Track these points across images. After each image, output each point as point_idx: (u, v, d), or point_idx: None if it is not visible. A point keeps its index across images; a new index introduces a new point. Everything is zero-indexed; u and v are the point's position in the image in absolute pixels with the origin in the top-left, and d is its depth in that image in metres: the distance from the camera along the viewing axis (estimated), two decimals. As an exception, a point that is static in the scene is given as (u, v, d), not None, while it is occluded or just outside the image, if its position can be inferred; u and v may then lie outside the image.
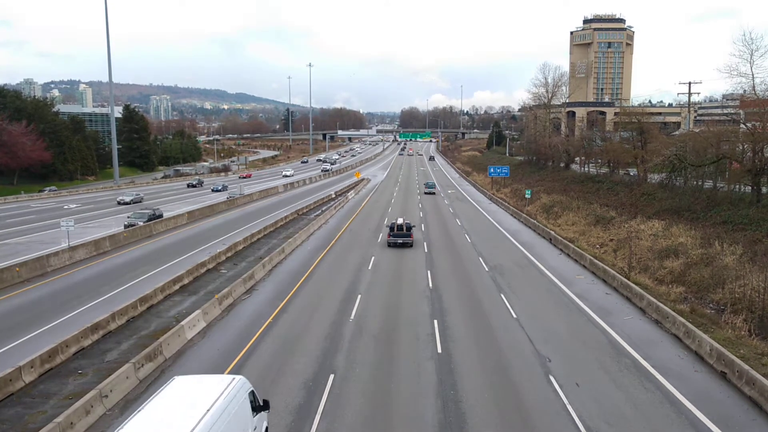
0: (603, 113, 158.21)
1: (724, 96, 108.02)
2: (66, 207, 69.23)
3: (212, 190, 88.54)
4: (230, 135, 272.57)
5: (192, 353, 22.40)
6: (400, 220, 45.64)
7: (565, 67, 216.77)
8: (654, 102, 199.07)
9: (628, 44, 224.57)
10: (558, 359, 21.87)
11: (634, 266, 35.58)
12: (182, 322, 23.94)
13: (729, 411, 17.78)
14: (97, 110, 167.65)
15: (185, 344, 23.10)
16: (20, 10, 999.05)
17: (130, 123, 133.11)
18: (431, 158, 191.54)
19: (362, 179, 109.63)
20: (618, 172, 74.23)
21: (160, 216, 54.83)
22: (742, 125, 50.12)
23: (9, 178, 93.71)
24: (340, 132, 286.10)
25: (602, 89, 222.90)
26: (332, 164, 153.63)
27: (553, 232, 49.01)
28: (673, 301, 29.01)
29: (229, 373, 20.18)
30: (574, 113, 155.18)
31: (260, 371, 20.60)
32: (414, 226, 47.45)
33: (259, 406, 15.30)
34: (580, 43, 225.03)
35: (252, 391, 15.19)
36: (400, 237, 44.13)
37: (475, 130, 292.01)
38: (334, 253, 42.33)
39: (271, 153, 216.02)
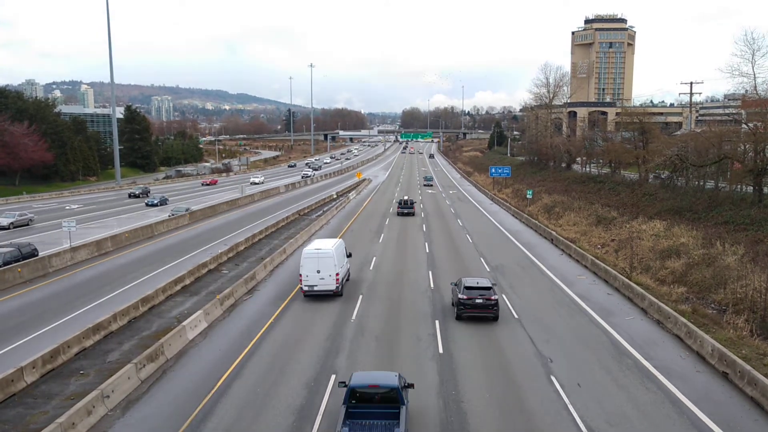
0: (604, 113, 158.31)
1: (725, 96, 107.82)
2: (68, 207, 69.33)
3: (147, 204, 69.79)
4: (231, 135, 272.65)
5: (194, 353, 22.42)
6: (405, 197, 67.64)
7: (567, 67, 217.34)
8: (655, 102, 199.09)
9: (629, 44, 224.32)
10: (559, 359, 21.86)
11: (636, 266, 35.56)
12: (184, 323, 23.96)
13: (731, 411, 17.76)
14: (99, 111, 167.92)
15: (187, 345, 23.12)
16: (22, 10, 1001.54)
17: (132, 124, 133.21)
18: (431, 156, 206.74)
19: (363, 180, 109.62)
20: (620, 172, 74.21)
21: (27, 257, 36.07)
22: (743, 125, 50.08)
23: (11, 178, 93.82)
24: (341, 132, 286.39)
25: (604, 89, 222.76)
26: (315, 170, 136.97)
27: (554, 233, 48.98)
28: (675, 301, 28.98)
29: (230, 373, 20.45)
30: (575, 113, 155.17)
31: (262, 372, 20.62)
32: (415, 203, 67.84)
33: (349, 254, 34.23)
34: (581, 43, 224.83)
35: (346, 247, 33.97)
36: (406, 208, 63.14)
37: (477, 131, 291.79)
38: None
39: (273, 153, 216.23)
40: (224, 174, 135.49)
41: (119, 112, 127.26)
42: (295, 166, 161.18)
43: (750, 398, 18.40)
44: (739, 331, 24.34)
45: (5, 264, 33.45)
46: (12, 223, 52.49)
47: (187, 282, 32.79)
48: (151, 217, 57.80)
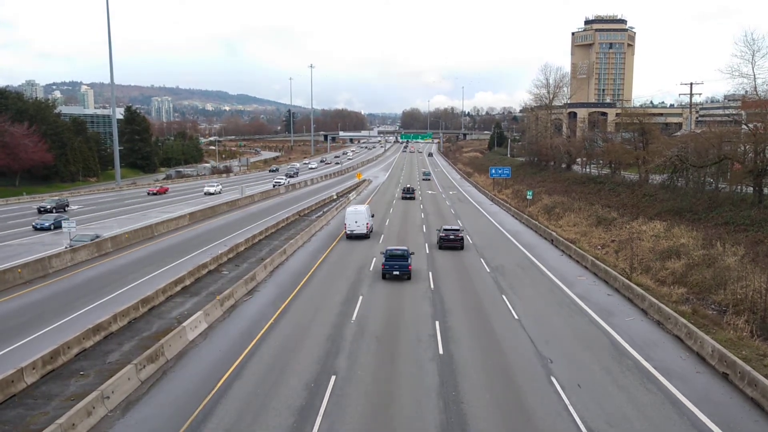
0: (604, 114, 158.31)
1: (725, 97, 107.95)
2: (67, 208, 69.20)
3: (34, 228, 51.32)
4: (232, 136, 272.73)
5: (194, 354, 22.41)
6: (408, 185, 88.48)
7: (567, 67, 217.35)
8: (655, 103, 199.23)
9: (629, 45, 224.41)
10: (560, 360, 21.86)
11: (636, 267, 35.56)
12: (184, 324, 23.96)
13: (731, 412, 17.76)
14: (99, 112, 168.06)
15: (187, 345, 23.11)
16: (21, 11, 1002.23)
17: (132, 124, 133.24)
18: (429, 154, 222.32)
19: (363, 180, 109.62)
20: (620, 173, 74.21)
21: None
22: (743, 126, 50.13)
23: (11, 179, 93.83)
24: (341, 133, 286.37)
25: (603, 90, 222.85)
26: (291, 176, 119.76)
27: (554, 233, 48.99)
28: (675, 302, 28.98)
29: (230, 373, 20.45)
30: (575, 114, 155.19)
31: (262, 372, 20.61)
32: (416, 190, 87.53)
33: (372, 215, 52.83)
34: (581, 43, 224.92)
35: (371, 212, 52.82)
36: (408, 194, 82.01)
37: (477, 131, 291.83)
38: (335, 254, 42.32)
39: (273, 154, 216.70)
40: (224, 175, 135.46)
41: (119, 113, 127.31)
42: (277, 170, 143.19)
43: (750, 399, 18.39)
44: (739, 331, 24.34)
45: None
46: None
47: (188, 283, 32.78)
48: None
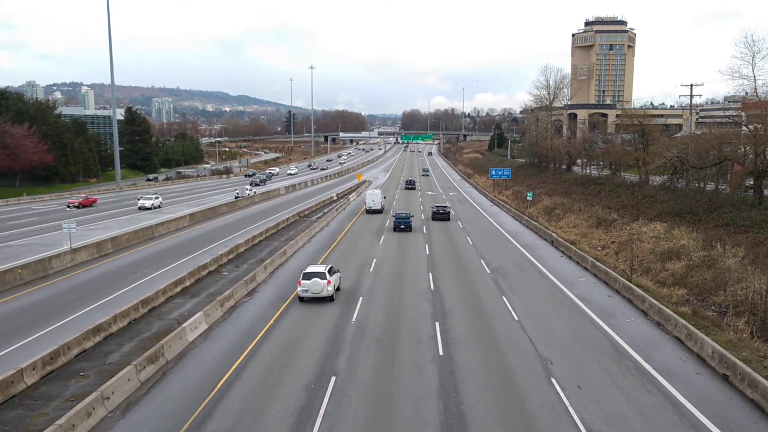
0: (604, 115, 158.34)
1: (725, 98, 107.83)
2: (68, 209, 69.25)
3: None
4: (232, 137, 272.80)
5: (194, 355, 22.41)
6: (409, 178, 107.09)
7: (567, 69, 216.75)
8: (656, 104, 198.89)
9: (629, 46, 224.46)
10: (560, 361, 21.85)
11: (636, 268, 35.55)
12: (184, 324, 23.95)
13: (731, 414, 17.74)
14: (99, 112, 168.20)
15: (187, 346, 23.10)
16: (22, 11, 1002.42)
17: (132, 125, 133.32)
18: (429, 153, 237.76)
19: (363, 181, 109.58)
20: (620, 174, 74.22)
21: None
22: (743, 127, 50.16)
23: (11, 180, 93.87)
24: (341, 134, 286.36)
25: (604, 91, 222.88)
26: (257, 185, 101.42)
27: (554, 234, 48.98)
28: (675, 303, 28.96)
29: (230, 374, 20.40)
30: (575, 115, 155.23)
31: (262, 373, 20.60)
32: (416, 182, 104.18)
33: (384, 197, 72.19)
34: (581, 45, 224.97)
35: (384, 196, 73.16)
36: (409, 185, 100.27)
37: (477, 133, 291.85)
38: (335, 255, 42.31)
39: (273, 155, 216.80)
40: (224, 176, 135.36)
41: (120, 114, 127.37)
42: (253, 175, 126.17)
43: (750, 400, 18.38)
44: (739, 333, 24.33)
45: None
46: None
47: (188, 283, 32.78)
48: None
